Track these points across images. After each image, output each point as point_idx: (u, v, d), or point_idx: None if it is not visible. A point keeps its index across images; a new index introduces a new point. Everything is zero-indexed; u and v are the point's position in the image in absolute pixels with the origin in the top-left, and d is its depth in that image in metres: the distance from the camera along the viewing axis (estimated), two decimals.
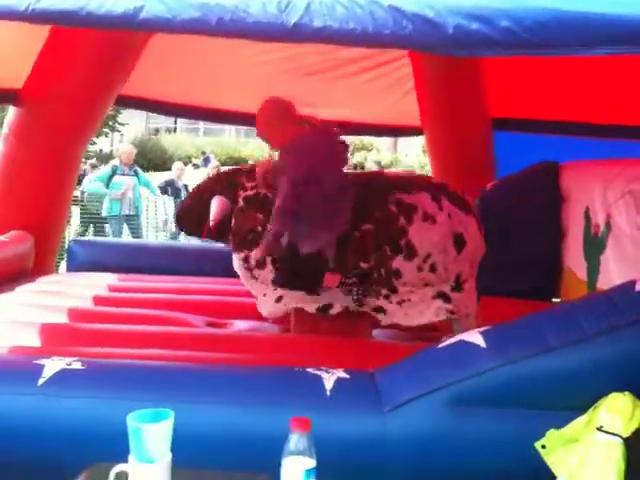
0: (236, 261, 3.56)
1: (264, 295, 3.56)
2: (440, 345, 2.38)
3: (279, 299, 3.51)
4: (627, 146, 4.73)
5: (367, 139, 21.77)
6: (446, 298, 3.47)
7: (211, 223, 3.47)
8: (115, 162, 8.99)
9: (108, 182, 8.48)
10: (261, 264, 3.47)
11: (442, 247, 3.43)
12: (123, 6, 1.79)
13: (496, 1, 1.71)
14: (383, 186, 3.53)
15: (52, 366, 2.20)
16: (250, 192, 3.53)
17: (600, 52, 1.77)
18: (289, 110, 3.50)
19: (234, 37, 1.82)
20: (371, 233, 3.38)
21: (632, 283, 2.32)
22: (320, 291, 3.41)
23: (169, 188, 9.58)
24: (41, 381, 2.15)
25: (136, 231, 8.67)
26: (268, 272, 3.47)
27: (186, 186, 9.62)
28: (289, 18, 1.73)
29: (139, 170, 9.06)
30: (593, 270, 4.36)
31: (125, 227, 8.67)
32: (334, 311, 3.44)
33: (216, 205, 3.47)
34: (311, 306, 3.48)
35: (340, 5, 1.71)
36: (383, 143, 23.70)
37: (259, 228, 3.45)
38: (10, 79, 4.80)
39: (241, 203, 3.51)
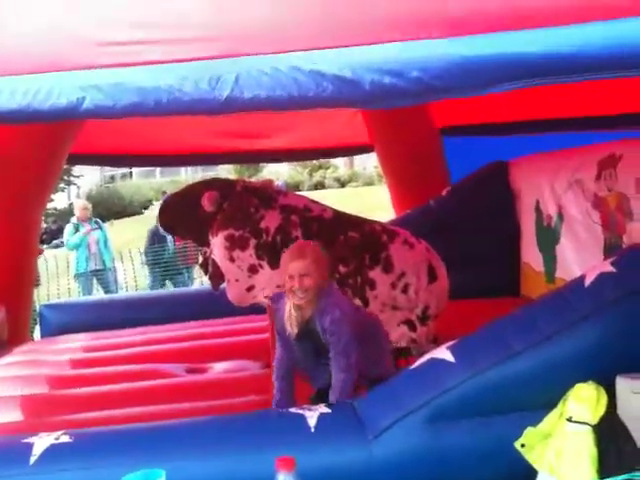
0: (219, 238, 3.61)
1: (236, 280, 3.61)
2: (412, 366, 2.47)
3: (250, 288, 3.57)
4: (570, 137, 4.89)
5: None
6: (412, 326, 3.63)
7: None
8: (74, 219, 8.88)
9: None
10: (244, 245, 3.55)
11: (416, 271, 3.64)
12: (66, 98, 1.88)
13: (404, 54, 1.85)
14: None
15: (41, 443, 2.23)
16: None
17: (507, 88, 1.93)
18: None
19: (172, 115, 1.92)
20: (355, 240, 3.61)
21: (582, 278, 2.44)
22: None
23: (155, 238, 9.41)
24: (32, 460, 2.17)
25: (106, 285, 8.57)
26: (248, 256, 3.54)
27: None
28: (221, 92, 1.84)
29: (101, 223, 8.99)
30: (549, 261, 4.52)
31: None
32: None
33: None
34: None
35: (265, 75, 1.83)
36: (340, 159, 23.89)
37: (252, 209, 3.60)
38: None
39: (239, 188, 3.71)
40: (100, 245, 8.51)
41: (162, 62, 1.86)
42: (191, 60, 1.86)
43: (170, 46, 1.89)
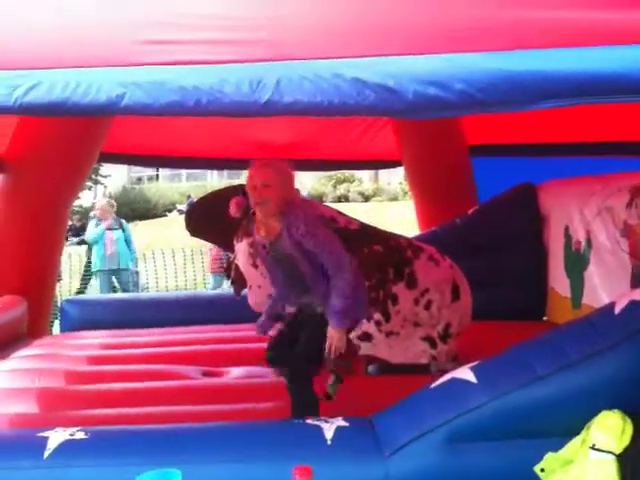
0: (243, 244, 3.62)
1: (259, 287, 3.63)
2: (433, 385, 2.43)
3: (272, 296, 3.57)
4: (601, 163, 4.83)
5: (349, 171, 21.98)
6: (433, 343, 3.60)
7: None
8: (96, 217, 8.88)
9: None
10: None
11: (440, 288, 3.63)
12: (106, 94, 1.90)
13: (449, 66, 1.85)
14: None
15: (56, 438, 2.23)
16: None
17: (548, 106, 1.91)
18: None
19: (211, 116, 1.92)
20: (379, 254, 3.59)
21: (611, 305, 2.39)
22: None
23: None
24: (47, 454, 2.18)
25: (125, 285, 8.57)
26: None
27: None
28: (261, 95, 1.85)
29: (124, 223, 8.96)
30: (577, 286, 4.45)
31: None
32: None
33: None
34: None
35: (307, 80, 1.84)
36: (365, 174, 23.91)
37: None
38: None
39: None
40: (120, 244, 8.47)
41: (204, 62, 1.87)
42: (233, 62, 1.87)
43: (212, 47, 1.90)
